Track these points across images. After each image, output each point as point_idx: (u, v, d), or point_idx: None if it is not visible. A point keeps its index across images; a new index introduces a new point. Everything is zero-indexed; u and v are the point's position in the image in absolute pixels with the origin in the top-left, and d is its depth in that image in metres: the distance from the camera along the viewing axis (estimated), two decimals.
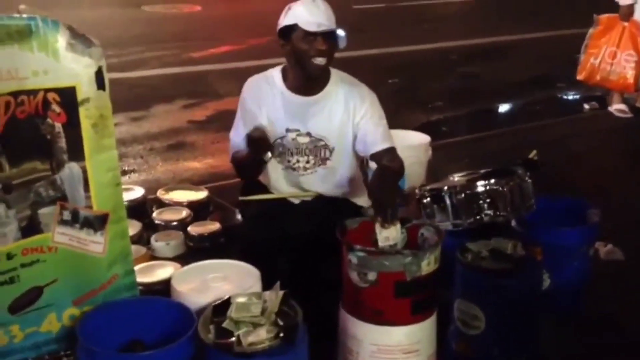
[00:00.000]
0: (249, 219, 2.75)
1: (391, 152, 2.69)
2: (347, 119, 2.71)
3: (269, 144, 2.62)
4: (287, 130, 2.72)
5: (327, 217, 2.48)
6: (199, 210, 3.50)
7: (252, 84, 2.81)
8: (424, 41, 8.60)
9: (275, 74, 2.78)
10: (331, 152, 2.74)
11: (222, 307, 2.10)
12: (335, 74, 2.72)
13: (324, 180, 2.77)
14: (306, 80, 2.67)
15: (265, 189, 2.83)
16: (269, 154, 2.62)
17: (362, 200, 2.90)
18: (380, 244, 2.32)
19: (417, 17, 7.40)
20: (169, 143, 5.28)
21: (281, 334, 2.01)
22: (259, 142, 2.59)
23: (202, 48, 8.43)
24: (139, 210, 3.45)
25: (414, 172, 3.43)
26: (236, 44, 8.62)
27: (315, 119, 2.71)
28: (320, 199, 2.78)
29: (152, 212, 3.49)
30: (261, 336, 2.00)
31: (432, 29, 9.49)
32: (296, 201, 2.80)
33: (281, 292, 2.14)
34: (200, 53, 8.27)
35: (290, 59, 2.67)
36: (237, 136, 2.76)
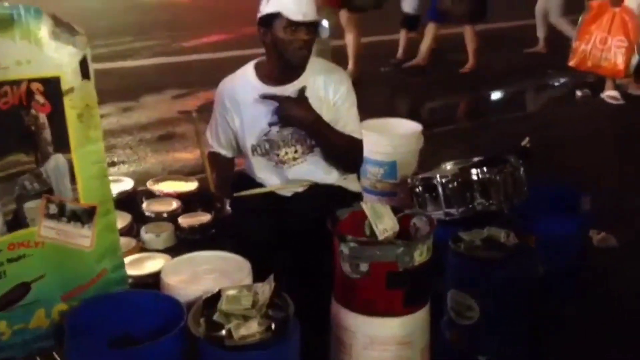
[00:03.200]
0: (242, 214, 2.71)
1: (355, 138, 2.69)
2: (326, 103, 2.66)
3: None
4: (270, 124, 2.68)
5: (320, 207, 2.45)
6: (189, 202, 3.48)
7: (226, 88, 2.78)
8: None
9: (248, 71, 2.75)
10: None
11: (212, 300, 2.07)
12: (311, 61, 2.66)
13: (314, 168, 2.74)
14: (284, 70, 2.63)
15: (257, 182, 2.80)
16: None
17: (354, 186, 2.87)
18: (380, 237, 2.29)
19: None
20: (159, 134, 5.23)
21: (273, 327, 1.99)
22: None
23: (193, 37, 8.37)
24: (129, 202, 3.43)
25: (406, 160, 3.40)
26: (227, 33, 8.55)
27: None
28: (312, 189, 2.75)
29: (142, 203, 3.47)
30: (252, 329, 1.97)
31: None
32: (288, 194, 2.76)
33: (273, 285, 2.11)
34: (191, 42, 8.22)
35: (270, 49, 2.62)
36: (211, 136, 2.85)
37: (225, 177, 2.82)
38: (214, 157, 2.85)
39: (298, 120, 2.60)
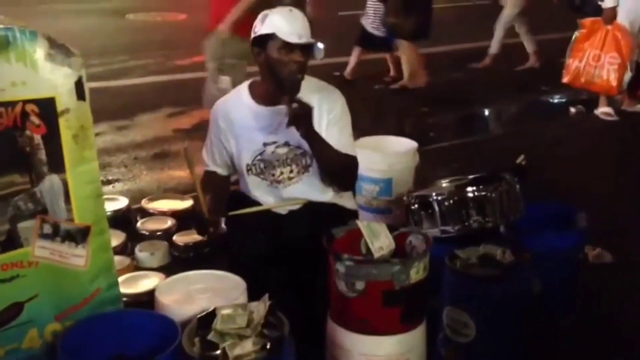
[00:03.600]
0: (237, 233, 2.70)
1: (350, 156, 2.68)
2: (320, 122, 2.64)
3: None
4: (265, 144, 2.68)
5: (316, 225, 2.45)
6: (183, 220, 3.48)
7: (220, 108, 2.78)
8: None
9: (242, 91, 2.75)
10: (311, 158, 2.68)
11: (207, 319, 2.06)
12: (305, 80, 2.64)
13: (310, 188, 2.73)
14: (278, 90, 2.61)
15: (252, 200, 2.79)
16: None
17: (350, 203, 2.87)
18: (376, 255, 2.29)
19: None
20: (154, 152, 5.23)
21: (268, 346, 1.98)
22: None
23: (188, 56, 8.38)
24: (123, 220, 3.43)
25: (402, 178, 3.40)
26: None
27: (291, 128, 2.58)
28: (307, 206, 2.74)
29: (137, 222, 3.46)
30: (247, 348, 1.96)
31: None
32: (283, 212, 2.75)
33: (267, 303, 2.10)
34: (186, 61, 8.23)
35: (264, 69, 2.62)
36: (207, 155, 2.85)
37: (221, 196, 2.81)
38: (210, 175, 2.84)
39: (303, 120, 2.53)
